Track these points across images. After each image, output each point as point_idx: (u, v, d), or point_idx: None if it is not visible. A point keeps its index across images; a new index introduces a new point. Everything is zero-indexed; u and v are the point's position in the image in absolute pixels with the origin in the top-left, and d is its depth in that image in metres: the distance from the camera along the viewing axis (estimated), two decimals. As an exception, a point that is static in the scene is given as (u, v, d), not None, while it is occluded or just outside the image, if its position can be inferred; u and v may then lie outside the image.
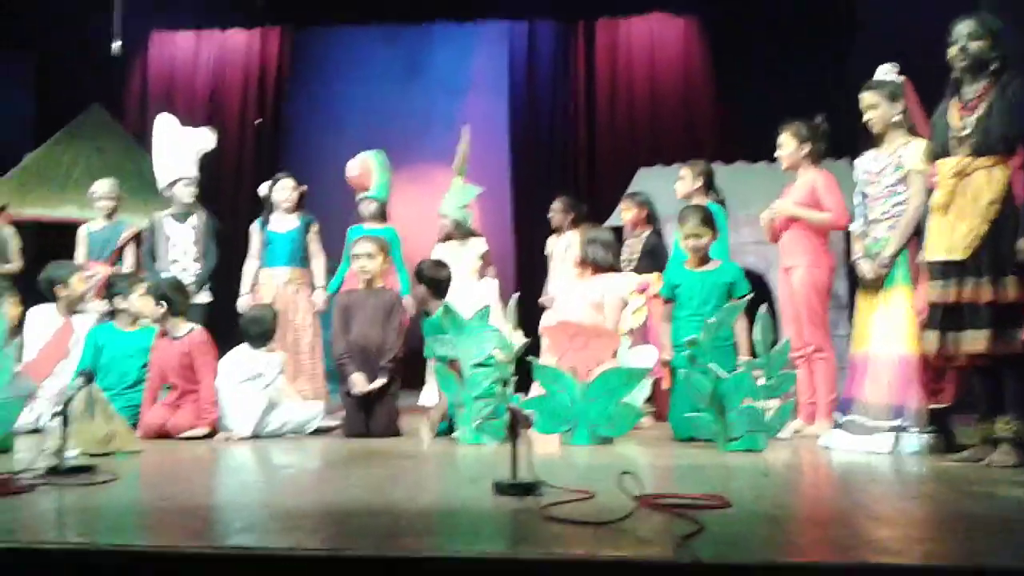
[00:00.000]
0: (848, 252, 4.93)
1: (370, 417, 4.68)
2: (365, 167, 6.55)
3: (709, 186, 5.52)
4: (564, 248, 6.44)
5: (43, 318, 4.99)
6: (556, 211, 6.67)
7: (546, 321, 6.12)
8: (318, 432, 4.85)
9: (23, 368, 4.17)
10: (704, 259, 4.81)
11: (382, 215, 6.44)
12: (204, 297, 5.92)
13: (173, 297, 4.77)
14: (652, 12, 9.47)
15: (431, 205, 8.80)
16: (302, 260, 5.95)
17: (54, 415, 3.11)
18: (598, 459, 3.76)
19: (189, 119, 9.08)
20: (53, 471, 3.03)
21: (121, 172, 8.43)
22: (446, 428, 4.60)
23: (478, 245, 6.68)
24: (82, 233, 6.20)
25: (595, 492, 2.70)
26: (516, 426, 2.84)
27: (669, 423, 4.59)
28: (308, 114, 10.20)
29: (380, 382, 4.70)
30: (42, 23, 9.24)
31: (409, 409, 5.35)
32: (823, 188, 4.77)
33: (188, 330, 4.77)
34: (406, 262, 6.33)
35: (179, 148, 6.01)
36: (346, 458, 3.89)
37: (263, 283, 5.90)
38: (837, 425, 4.19)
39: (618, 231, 6.01)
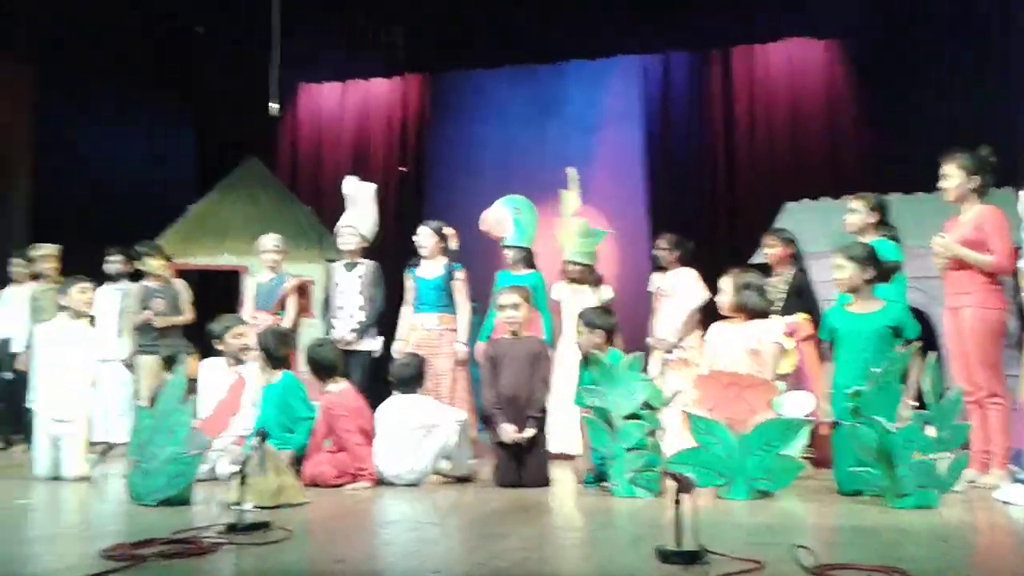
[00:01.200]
0: (1017, 288, 4.64)
1: (522, 467, 4.71)
2: (495, 218, 6.41)
3: (883, 220, 5.25)
4: (671, 287, 6.30)
5: (216, 371, 5.28)
6: (662, 248, 6.45)
7: (654, 364, 6.05)
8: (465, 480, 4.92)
9: (200, 424, 4.41)
10: (866, 298, 4.55)
11: (525, 261, 6.35)
12: (370, 344, 6.05)
13: (269, 346, 4.96)
14: (791, 37, 9.22)
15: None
16: (447, 306, 6.08)
17: (232, 474, 3.26)
18: (759, 517, 3.65)
19: (336, 169, 9.58)
20: (232, 528, 3.19)
21: (275, 222, 8.88)
22: (592, 479, 4.57)
23: (604, 292, 6.44)
24: (250, 284, 6.55)
25: (763, 560, 2.61)
26: (678, 490, 2.78)
27: (833, 476, 4.39)
28: (447, 158, 10.47)
29: (530, 432, 4.73)
30: (201, 78, 9.91)
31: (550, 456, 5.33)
32: (991, 228, 4.50)
33: (340, 387, 4.93)
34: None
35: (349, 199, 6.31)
36: (501, 514, 3.91)
37: (413, 329, 6.08)
38: (1016, 479, 3.93)
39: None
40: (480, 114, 10.50)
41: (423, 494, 4.55)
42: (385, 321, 6.23)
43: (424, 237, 6.15)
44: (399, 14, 8.58)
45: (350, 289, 6.13)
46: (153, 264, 6.53)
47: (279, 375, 4.98)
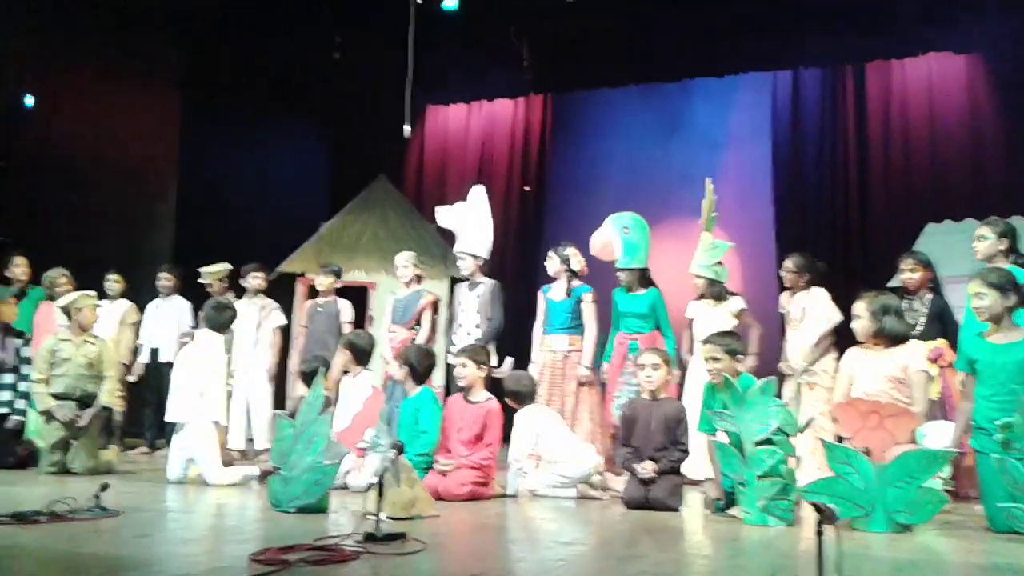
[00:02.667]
0: None
1: (650, 489, 4.67)
2: (603, 242, 6.24)
3: (1012, 247, 5.02)
4: (800, 310, 6.08)
5: (355, 383, 5.47)
6: (789, 271, 6.19)
7: (787, 389, 5.86)
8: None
9: (338, 435, 4.57)
10: (1008, 327, 4.29)
11: (640, 280, 6.21)
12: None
13: (413, 361, 5.10)
14: (929, 52, 8.85)
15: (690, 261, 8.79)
16: (576, 328, 6.13)
17: (370, 485, 3.36)
18: (901, 552, 3.50)
19: (460, 188, 9.77)
20: (371, 537, 3.29)
21: (403, 240, 9.17)
22: (722, 506, 4.49)
23: (734, 303, 6.26)
24: (389, 300, 6.76)
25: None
26: (821, 521, 2.70)
27: (984, 512, 4.16)
28: (569, 177, 10.52)
29: (665, 466, 4.73)
30: (337, 101, 10.30)
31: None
32: None
33: (486, 398, 5.06)
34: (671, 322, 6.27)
35: (467, 220, 6.43)
36: (631, 536, 3.89)
37: (542, 349, 6.15)
38: None
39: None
40: (603, 133, 10.51)
41: (551, 511, 4.58)
42: (508, 339, 6.32)
43: (553, 260, 6.24)
44: (526, 36, 8.69)
45: (470, 308, 6.27)
46: (324, 282, 6.80)
47: (419, 390, 5.10)
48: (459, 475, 4.81)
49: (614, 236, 6.21)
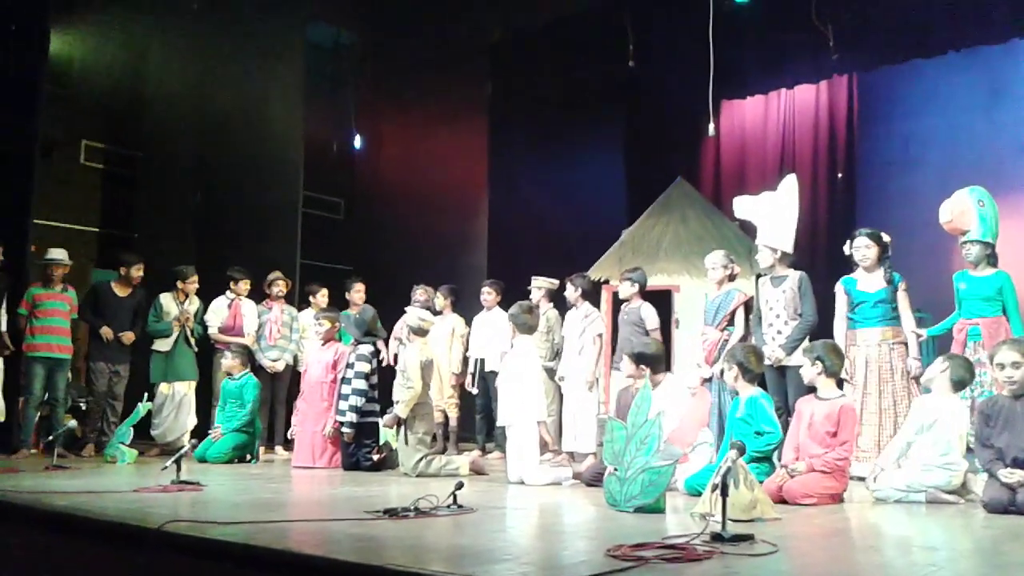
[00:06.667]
0: None
1: (1016, 492, 4.22)
2: (959, 208, 5.81)
3: None
4: None
5: (663, 391, 5.46)
6: None
7: None
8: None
9: (670, 436, 4.59)
10: None
11: (989, 259, 5.74)
12: (795, 360, 5.77)
13: (743, 361, 4.96)
14: None
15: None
16: (894, 319, 5.78)
17: (714, 487, 3.34)
18: None
19: (760, 182, 9.48)
20: (718, 538, 3.26)
21: (704, 240, 9.03)
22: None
23: None
24: (704, 301, 6.70)
25: None
26: None
27: None
28: (879, 158, 9.85)
29: None
30: (634, 107, 10.42)
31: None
32: None
33: (838, 395, 4.86)
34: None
35: (770, 211, 6.21)
36: (1002, 541, 3.54)
37: (855, 344, 5.81)
38: None
39: None
40: (916, 108, 9.71)
41: (903, 515, 4.30)
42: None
43: (864, 247, 5.85)
44: (827, 17, 8.25)
45: (777, 304, 6.00)
46: (626, 290, 6.97)
47: (753, 390, 4.99)
48: (807, 481, 4.60)
49: (970, 206, 5.76)
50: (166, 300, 7.76)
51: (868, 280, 5.88)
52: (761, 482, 4.32)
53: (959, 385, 4.84)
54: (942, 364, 4.86)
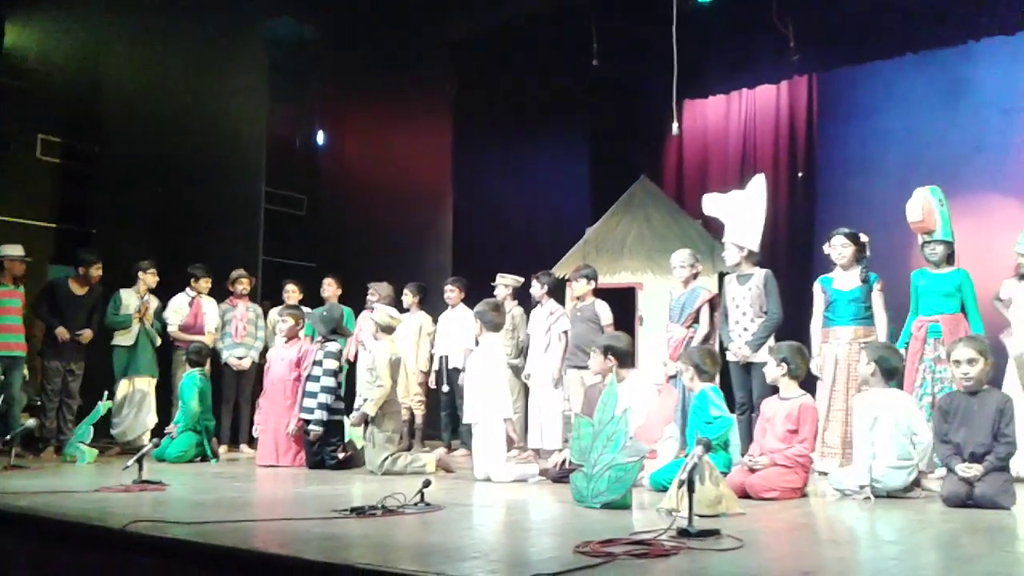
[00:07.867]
0: None
1: (973, 486, 4.31)
2: (927, 208, 5.84)
3: None
4: None
5: (629, 385, 5.49)
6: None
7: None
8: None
9: (636, 432, 4.62)
10: None
11: (948, 259, 5.86)
12: (761, 357, 5.84)
13: (698, 362, 5.04)
14: None
15: (988, 239, 8.00)
16: (867, 319, 5.84)
17: (681, 483, 3.38)
18: None
19: (722, 181, 9.59)
20: (684, 533, 3.30)
21: (667, 238, 9.12)
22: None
23: None
24: (669, 299, 6.73)
25: None
26: None
27: None
28: (839, 158, 9.99)
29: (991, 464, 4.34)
30: (595, 105, 10.46)
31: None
32: None
33: (799, 394, 4.92)
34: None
35: (738, 210, 6.28)
36: (960, 535, 3.62)
37: (828, 341, 5.88)
38: None
39: None
40: (875, 109, 9.84)
41: (862, 510, 4.36)
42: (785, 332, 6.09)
43: (840, 246, 5.93)
44: (788, 18, 8.35)
45: (743, 302, 6.08)
46: (579, 288, 7.01)
47: (704, 387, 5.06)
48: (769, 475, 4.67)
49: (933, 206, 5.83)
50: (126, 294, 7.67)
51: (844, 279, 5.95)
52: (723, 473, 4.39)
53: (891, 374, 4.85)
54: (866, 360, 4.89)
